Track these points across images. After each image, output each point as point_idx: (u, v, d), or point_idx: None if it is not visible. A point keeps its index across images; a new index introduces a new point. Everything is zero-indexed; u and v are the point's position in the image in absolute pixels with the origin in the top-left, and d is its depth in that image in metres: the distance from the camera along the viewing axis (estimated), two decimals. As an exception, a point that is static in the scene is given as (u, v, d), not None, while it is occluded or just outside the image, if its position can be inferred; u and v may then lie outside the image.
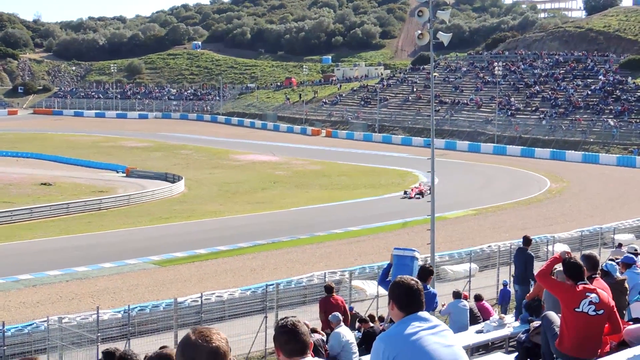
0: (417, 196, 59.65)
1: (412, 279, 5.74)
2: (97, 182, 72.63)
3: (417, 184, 64.73)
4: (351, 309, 22.21)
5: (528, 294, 16.13)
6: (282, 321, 5.11)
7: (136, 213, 57.53)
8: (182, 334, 23.60)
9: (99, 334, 23.51)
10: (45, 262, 40.92)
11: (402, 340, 5.43)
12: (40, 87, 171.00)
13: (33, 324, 26.61)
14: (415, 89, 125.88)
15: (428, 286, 12.74)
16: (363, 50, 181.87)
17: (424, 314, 5.60)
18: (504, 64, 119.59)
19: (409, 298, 5.59)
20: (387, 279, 13.04)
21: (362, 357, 15.87)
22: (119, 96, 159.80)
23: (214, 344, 3.77)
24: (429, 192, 56.94)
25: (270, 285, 28.63)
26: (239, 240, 46.16)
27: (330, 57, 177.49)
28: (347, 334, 16.36)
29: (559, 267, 9.77)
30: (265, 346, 25.19)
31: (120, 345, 18.77)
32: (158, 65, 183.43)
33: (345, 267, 34.12)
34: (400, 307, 5.60)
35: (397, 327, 5.56)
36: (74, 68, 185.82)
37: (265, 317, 25.76)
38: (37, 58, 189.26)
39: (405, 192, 61.92)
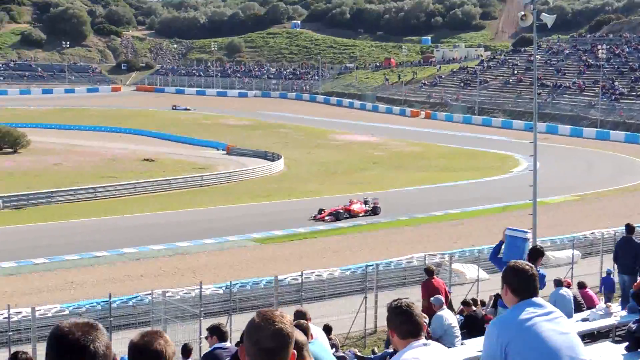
0: (329, 218, 46.77)
1: (527, 264, 5.71)
2: (198, 159, 73.70)
3: (347, 204, 48.87)
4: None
5: (635, 284, 15.86)
6: (396, 302, 5.11)
7: (236, 190, 58.27)
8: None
9: (202, 309, 23.90)
10: (149, 236, 41.88)
11: (516, 325, 5.40)
12: (143, 65, 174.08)
13: (138, 296, 27.25)
14: (516, 72, 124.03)
15: (538, 267, 12.69)
16: (463, 31, 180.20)
17: (538, 299, 5.56)
18: (608, 47, 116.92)
19: (524, 283, 5.56)
20: (499, 256, 13.03)
21: (464, 341, 15.85)
22: (219, 74, 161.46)
23: (277, 326, 3.79)
24: (368, 213, 48.31)
25: (370, 265, 28.66)
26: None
27: (429, 37, 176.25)
28: (450, 317, 16.36)
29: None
30: (365, 326, 25.27)
31: (222, 321, 19.04)
32: (258, 44, 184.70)
33: (445, 250, 33.97)
34: (515, 292, 5.58)
35: (511, 313, 5.53)
36: (175, 46, 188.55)
37: (365, 297, 25.81)
38: (139, 36, 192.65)
39: (320, 211, 47.55)
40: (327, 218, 46.70)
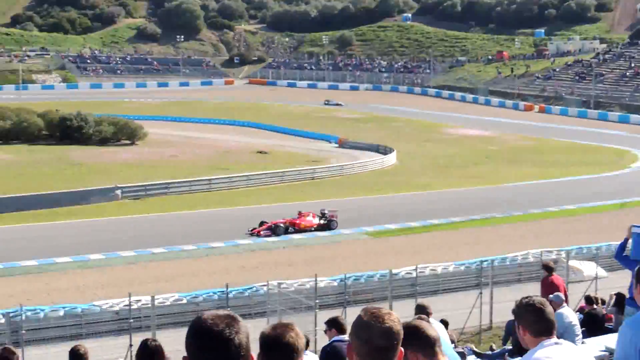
0: (264, 232, 41.56)
1: (662, 263, 5.61)
2: (310, 152, 74.18)
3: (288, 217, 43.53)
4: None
5: None
6: (528, 299, 5.05)
7: (348, 183, 58.47)
8: (396, 305, 23.92)
9: (317, 301, 24.08)
10: (263, 228, 42.39)
11: (651, 326, 5.31)
12: (255, 58, 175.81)
13: (253, 287, 27.62)
14: (633, 65, 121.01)
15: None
16: (577, 23, 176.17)
17: (674, 300, 5.47)
18: None
19: (661, 284, 5.47)
20: (625, 254, 12.76)
21: (584, 339, 15.57)
22: (330, 67, 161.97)
23: (386, 324, 3.73)
24: (321, 227, 43.20)
25: (485, 261, 28.43)
26: (452, 214, 46.14)
27: (543, 30, 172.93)
28: (571, 315, 16.06)
29: None
30: (480, 322, 25.11)
31: (337, 314, 19.10)
32: (368, 37, 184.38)
33: (561, 247, 33.37)
34: (648, 292, 5.49)
35: (644, 313, 5.45)
36: (287, 39, 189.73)
37: (480, 293, 25.63)
38: (251, 29, 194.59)
39: (261, 223, 42.28)
40: (262, 233, 41.55)
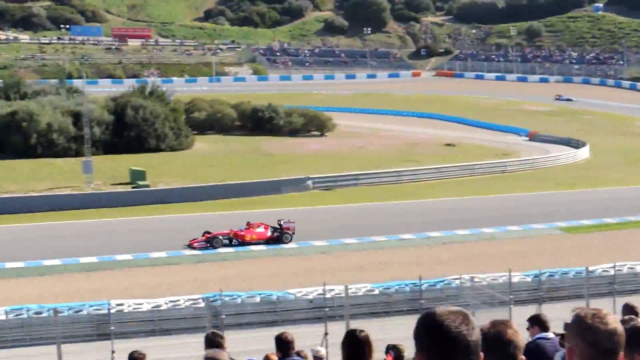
0: (198, 245, 38.45)
1: None
2: (499, 145, 73.24)
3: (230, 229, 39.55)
4: None
5: None
6: None
7: (540, 177, 57.48)
8: (593, 303, 23.25)
9: (511, 297, 23.75)
10: (454, 221, 42.35)
11: None
12: (442, 50, 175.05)
13: (445, 280, 27.57)
14: None
15: None
16: None
17: None
18: None
19: None
20: None
21: None
22: (518, 59, 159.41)
23: (611, 326, 3.53)
24: (272, 239, 39.44)
25: (690, 260, 27.33)
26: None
27: None
28: None
29: None
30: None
31: (531, 310, 18.77)
32: (558, 28, 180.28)
33: None
34: None
35: None
36: (474, 31, 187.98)
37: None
38: (438, 21, 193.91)
39: (204, 233, 39.08)
40: (196, 245, 38.51)
